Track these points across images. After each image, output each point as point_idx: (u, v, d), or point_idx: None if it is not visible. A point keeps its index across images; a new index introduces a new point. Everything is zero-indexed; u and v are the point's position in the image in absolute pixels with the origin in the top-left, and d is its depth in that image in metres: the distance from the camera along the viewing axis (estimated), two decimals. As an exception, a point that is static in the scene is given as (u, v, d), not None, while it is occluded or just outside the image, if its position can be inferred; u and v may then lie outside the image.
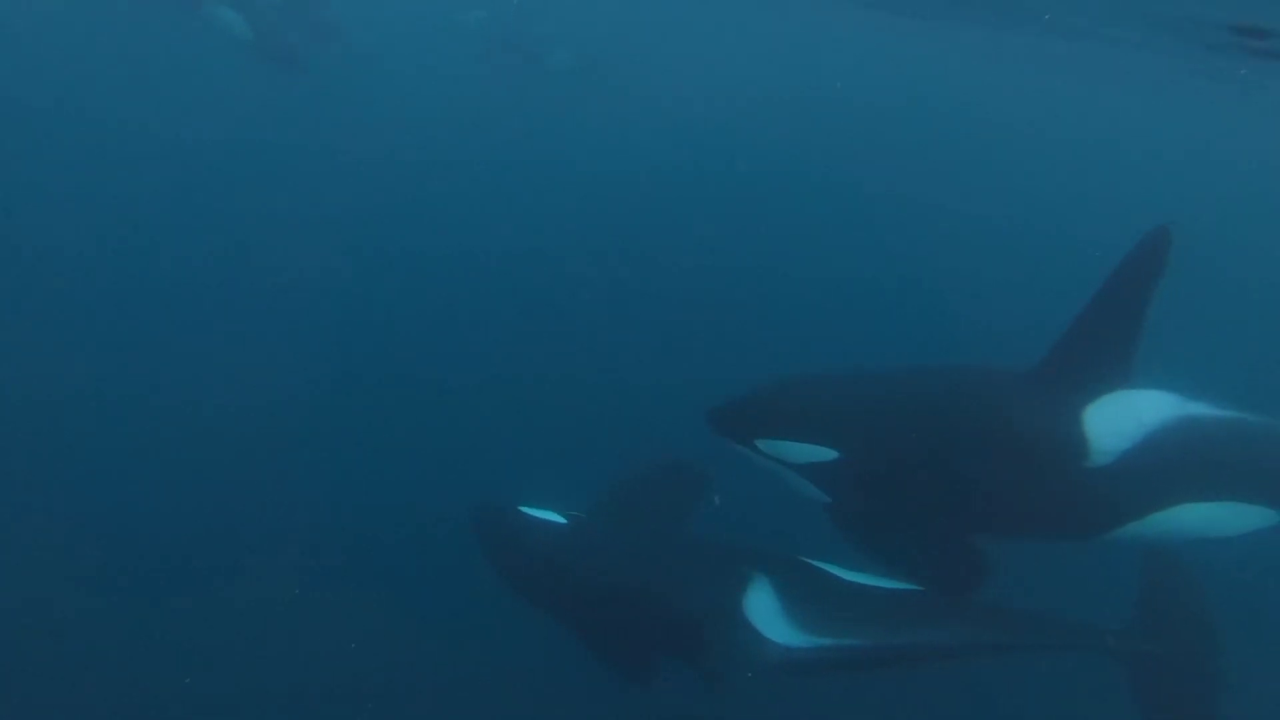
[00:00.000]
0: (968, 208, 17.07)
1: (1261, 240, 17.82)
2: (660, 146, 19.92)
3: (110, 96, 17.23)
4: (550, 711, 6.33)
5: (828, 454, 5.30)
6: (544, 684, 6.31)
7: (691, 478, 6.33)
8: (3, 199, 12.53)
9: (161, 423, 8.71)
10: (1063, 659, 5.55)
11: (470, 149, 18.20)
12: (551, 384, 9.15)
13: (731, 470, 5.82)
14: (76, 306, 10.59)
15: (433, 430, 8.46)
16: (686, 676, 5.30)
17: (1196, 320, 9.48)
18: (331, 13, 22.34)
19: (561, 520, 5.98)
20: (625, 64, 26.73)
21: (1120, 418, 5.07)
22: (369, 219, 13.48)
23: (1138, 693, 5.43)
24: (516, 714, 6.45)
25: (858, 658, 5.25)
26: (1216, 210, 19.16)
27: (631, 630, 5.47)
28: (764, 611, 5.23)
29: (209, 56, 18.83)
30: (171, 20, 19.08)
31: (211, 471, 8.00)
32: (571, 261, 12.56)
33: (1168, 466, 5.10)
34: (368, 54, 22.76)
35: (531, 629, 5.91)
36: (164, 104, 17.00)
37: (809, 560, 5.56)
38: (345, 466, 8.19)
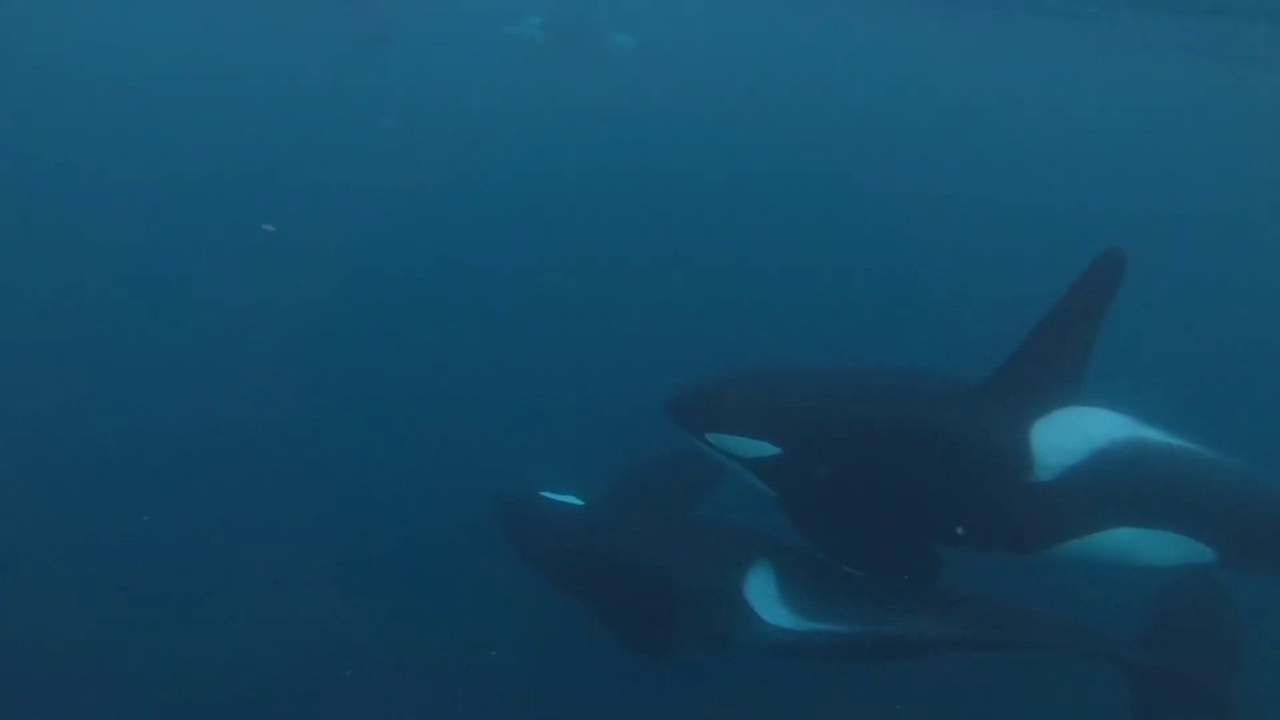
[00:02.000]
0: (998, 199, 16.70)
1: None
2: (710, 132, 19.95)
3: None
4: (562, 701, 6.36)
5: (770, 449, 5.31)
6: (558, 675, 6.33)
7: (703, 464, 6.27)
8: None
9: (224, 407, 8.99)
10: (1065, 664, 5.37)
11: (526, 136, 18.57)
12: (577, 372, 9.22)
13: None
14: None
15: (455, 421, 8.58)
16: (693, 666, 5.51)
17: (1164, 332, 9.80)
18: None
19: (579, 503, 6.32)
20: (683, 47, 26.87)
21: (1066, 434, 5.05)
22: (419, 213, 13.70)
23: (1138, 708, 5.20)
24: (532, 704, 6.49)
25: (851, 644, 5.29)
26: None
27: (640, 605, 5.64)
28: (763, 593, 5.35)
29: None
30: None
31: (224, 468, 8.12)
32: (601, 249, 12.60)
33: (1108, 487, 5.05)
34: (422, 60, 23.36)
35: (547, 619, 6.12)
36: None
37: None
38: (367, 461, 8.28)
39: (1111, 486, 5.04)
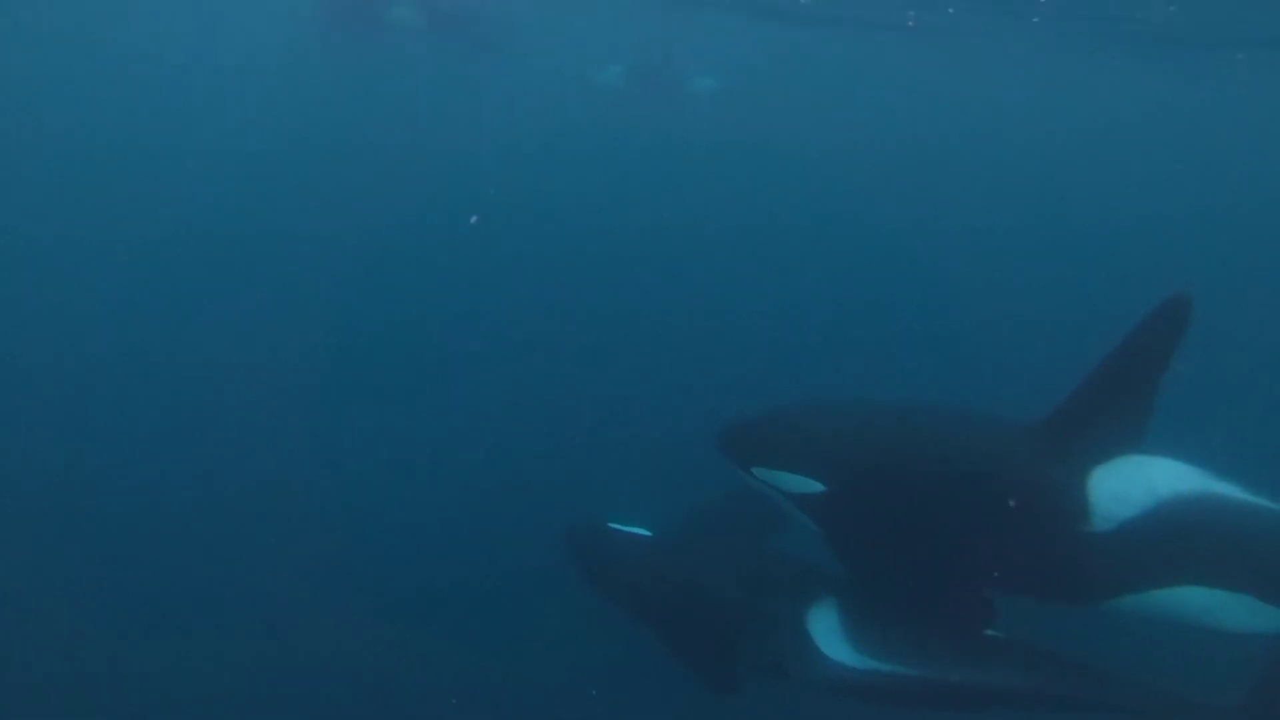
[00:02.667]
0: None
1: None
2: (784, 171, 20.06)
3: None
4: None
5: (816, 486, 5.22)
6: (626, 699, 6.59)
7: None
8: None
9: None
10: None
11: (602, 179, 18.94)
12: (650, 407, 9.41)
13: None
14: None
15: (528, 453, 8.83)
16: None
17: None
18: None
19: (647, 534, 6.40)
20: (763, 91, 27.09)
21: (1129, 484, 4.75)
22: (495, 252, 14.28)
23: None
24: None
25: (911, 688, 5.15)
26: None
27: (704, 632, 5.69)
28: (825, 627, 5.31)
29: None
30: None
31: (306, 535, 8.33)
32: (676, 286, 12.95)
33: (1174, 543, 4.70)
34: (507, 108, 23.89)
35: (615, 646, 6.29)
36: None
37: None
38: (438, 495, 8.60)
39: (1178, 542, 4.72)
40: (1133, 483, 4.76)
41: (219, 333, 11.30)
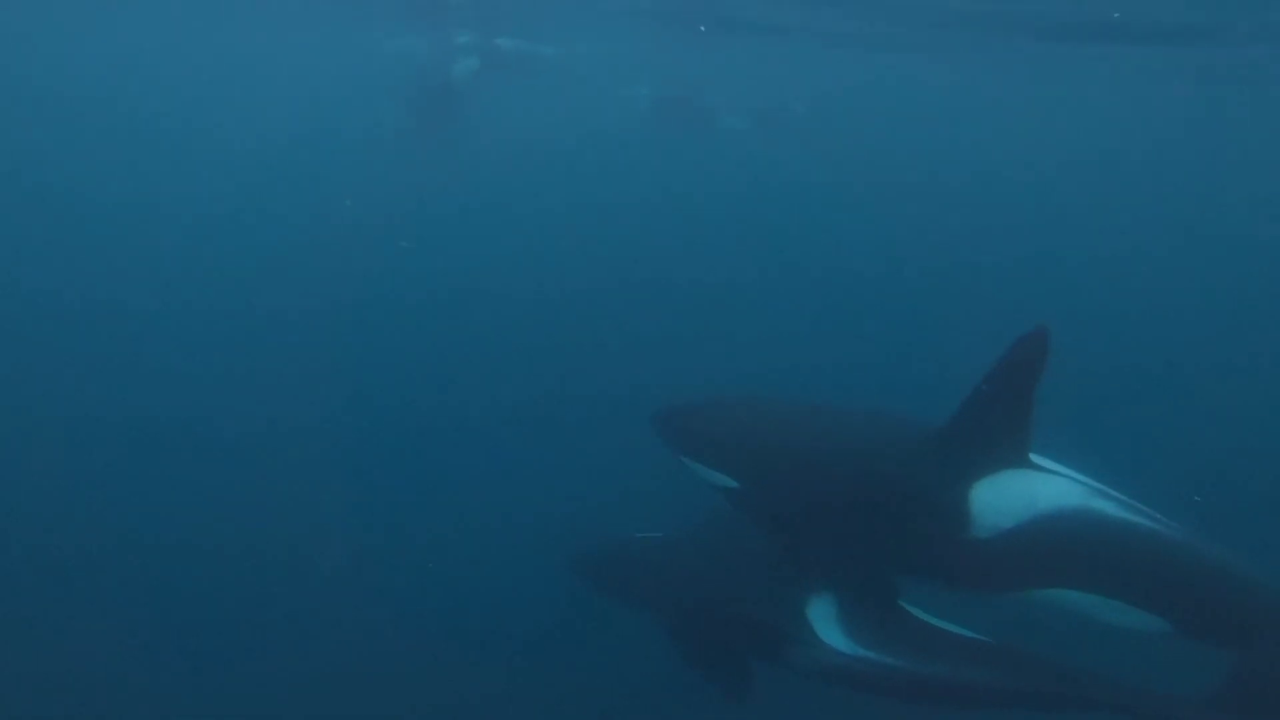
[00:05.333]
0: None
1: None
2: (823, 203, 20.11)
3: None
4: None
5: (731, 481, 5.63)
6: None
7: None
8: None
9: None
10: None
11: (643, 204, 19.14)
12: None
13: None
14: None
15: (538, 458, 9.09)
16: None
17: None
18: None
19: (658, 536, 6.73)
20: (796, 124, 27.28)
21: (1008, 497, 5.09)
22: (533, 270, 14.46)
23: None
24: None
25: (901, 678, 5.40)
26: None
27: (708, 616, 5.95)
28: (824, 616, 5.58)
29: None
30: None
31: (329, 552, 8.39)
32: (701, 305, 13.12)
33: (1050, 552, 5.10)
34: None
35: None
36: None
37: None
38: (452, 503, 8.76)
39: (1053, 552, 5.11)
40: (1013, 496, 5.12)
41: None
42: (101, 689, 6.84)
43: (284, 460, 9.25)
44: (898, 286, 15.00)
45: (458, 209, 17.49)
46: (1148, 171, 28.27)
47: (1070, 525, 5.06)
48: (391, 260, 14.50)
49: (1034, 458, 5.27)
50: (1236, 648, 5.06)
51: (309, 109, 28.03)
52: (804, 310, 13.47)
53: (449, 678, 7.13)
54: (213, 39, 31.18)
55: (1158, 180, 27.12)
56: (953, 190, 22.89)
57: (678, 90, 25.92)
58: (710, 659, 5.94)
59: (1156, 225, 20.79)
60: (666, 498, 6.69)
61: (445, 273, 14.37)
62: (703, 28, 21.18)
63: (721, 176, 23.11)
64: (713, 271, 15.12)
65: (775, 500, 5.66)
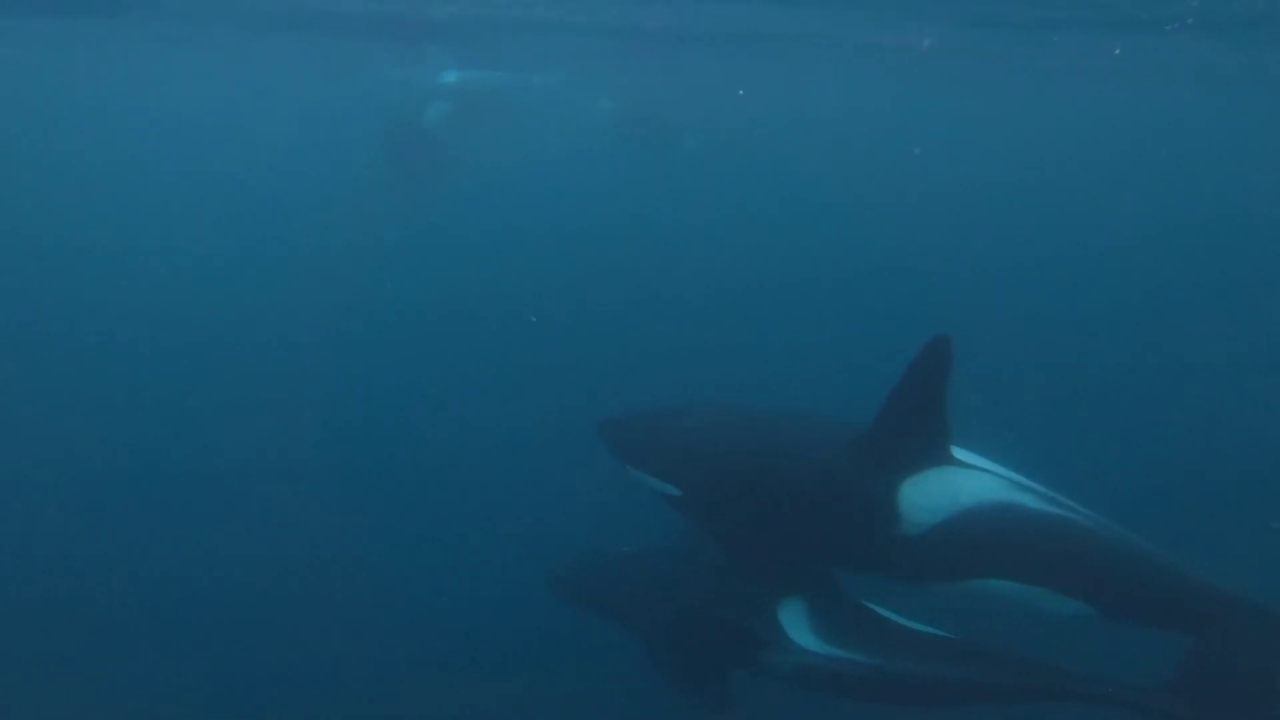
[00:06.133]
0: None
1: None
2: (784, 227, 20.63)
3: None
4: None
5: (674, 490, 5.92)
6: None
7: None
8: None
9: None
10: (1092, 714, 5.45)
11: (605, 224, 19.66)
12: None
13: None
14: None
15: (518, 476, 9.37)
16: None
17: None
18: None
19: (632, 549, 6.92)
20: (759, 147, 27.64)
21: (934, 495, 5.37)
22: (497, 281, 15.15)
23: None
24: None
25: (870, 676, 5.59)
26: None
27: (688, 633, 6.07)
28: (795, 617, 5.80)
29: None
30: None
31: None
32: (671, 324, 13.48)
33: (973, 546, 5.38)
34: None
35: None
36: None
37: (853, 595, 6.05)
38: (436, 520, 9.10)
39: (979, 545, 5.39)
40: (938, 493, 5.41)
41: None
42: (100, 698, 7.06)
43: (256, 484, 9.55)
44: (849, 298, 15.57)
45: (430, 236, 17.82)
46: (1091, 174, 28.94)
47: (992, 518, 5.35)
48: (363, 284, 14.97)
49: (958, 454, 5.53)
50: (1156, 628, 5.41)
51: (286, 146, 28.22)
52: (767, 322, 13.93)
53: (428, 690, 7.37)
54: (181, 73, 31.37)
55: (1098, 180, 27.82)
56: (910, 206, 23.35)
57: (641, 108, 26.06)
58: (688, 670, 6.08)
59: (1087, 227, 21.43)
60: (641, 510, 6.80)
61: (417, 297, 14.76)
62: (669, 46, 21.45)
63: (683, 194, 23.49)
64: (677, 286, 15.56)
65: (716, 505, 5.91)
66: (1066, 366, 12.39)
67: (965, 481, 5.46)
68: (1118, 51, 19.68)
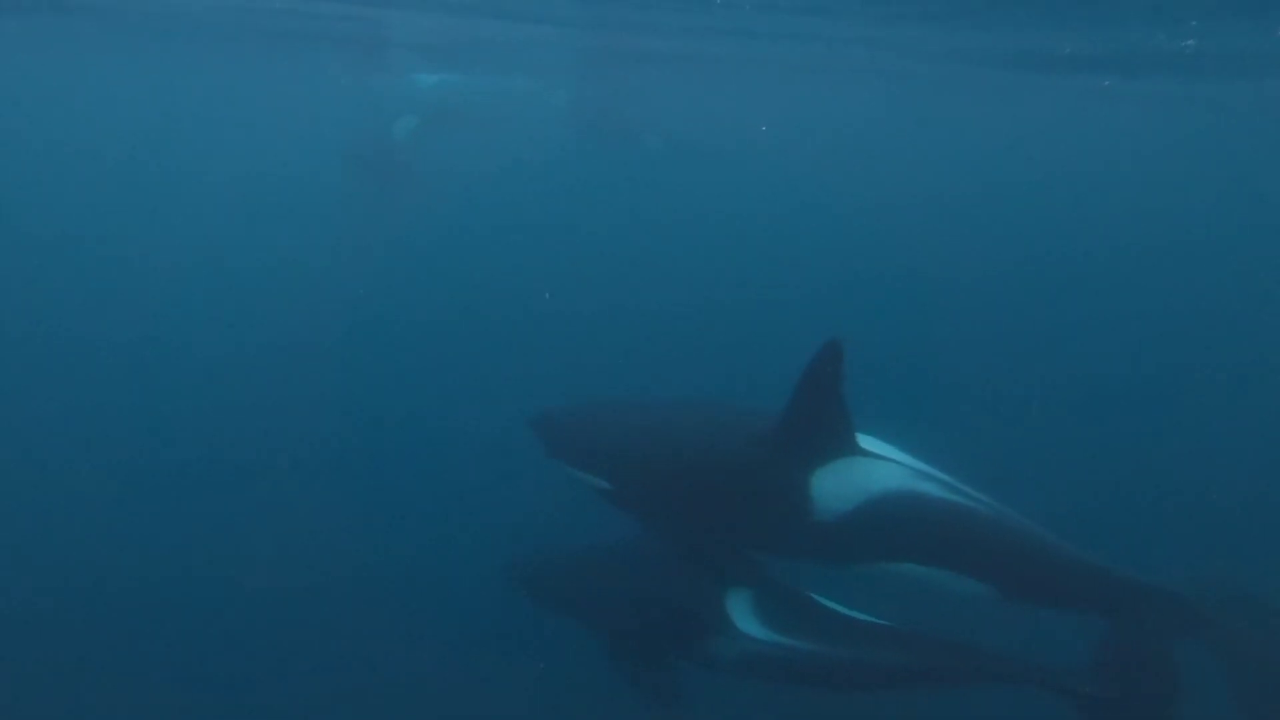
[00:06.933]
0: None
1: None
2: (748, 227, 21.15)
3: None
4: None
5: (603, 483, 6.22)
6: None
7: None
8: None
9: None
10: (1021, 696, 5.82)
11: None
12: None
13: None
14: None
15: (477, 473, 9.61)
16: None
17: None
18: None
19: (586, 545, 7.03)
20: (720, 147, 27.91)
21: (843, 484, 5.70)
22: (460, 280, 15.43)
23: None
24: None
25: (813, 662, 5.92)
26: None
27: (640, 626, 6.36)
28: (741, 607, 6.08)
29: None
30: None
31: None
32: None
33: (882, 532, 5.73)
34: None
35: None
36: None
37: (797, 586, 6.35)
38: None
39: (885, 532, 5.73)
40: (847, 482, 5.71)
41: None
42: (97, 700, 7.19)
43: (224, 488, 9.73)
44: (806, 298, 15.66)
45: (392, 243, 17.75)
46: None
47: (898, 506, 5.67)
48: (325, 288, 15.20)
49: (866, 444, 5.81)
50: (1053, 608, 5.82)
51: (246, 152, 28.16)
52: (724, 321, 14.21)
53: (386, 682, 7.56)
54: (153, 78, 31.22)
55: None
56: (866, 210, 23.66)
57: (602, 107, 25.60)
58: (639, 663, 6.26)
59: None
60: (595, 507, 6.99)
61: (381, 300, 14.83)
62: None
63: (643, 194, 23.82)
64: (637, 285, 15.96)
65: (644, 498, 6.22)
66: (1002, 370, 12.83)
67: (873, 470, 5.76)
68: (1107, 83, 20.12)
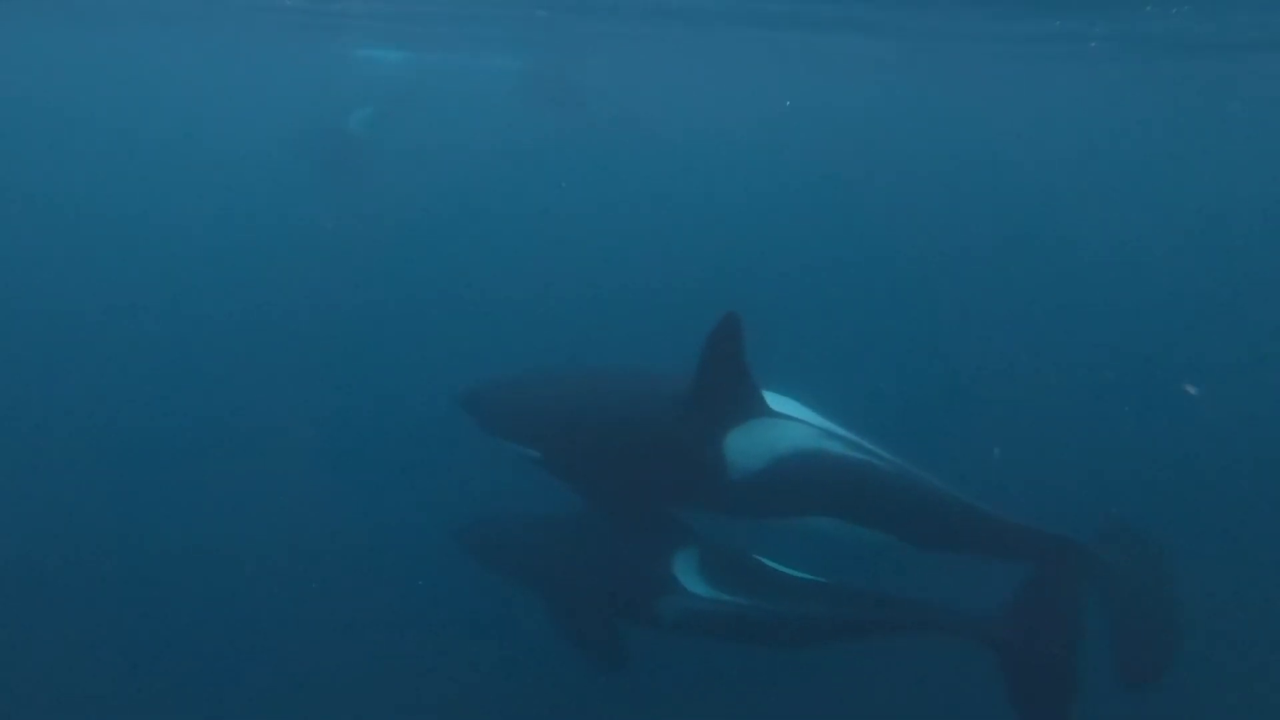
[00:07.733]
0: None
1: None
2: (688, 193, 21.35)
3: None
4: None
5: (533, 452, 6.58)
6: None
7: None
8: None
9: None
10: (945, 643, 6.19)
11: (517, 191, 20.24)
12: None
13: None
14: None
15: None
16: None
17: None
18: None
19: (536, 512, 7.28)
20: (665, 116, 28.04)
21: (754, 444, 6.10)
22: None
23: (1004, 681, 6.01)
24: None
25: (754, 616, 6.25)
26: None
27: (584, 578, 6.70)
28: (687, 569, 6.43)
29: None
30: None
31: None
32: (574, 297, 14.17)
33: (792, 488, 6.13)
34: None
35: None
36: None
37: (741, 548, 6.69)
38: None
39: (794, 487, 6.13)
40: (757, 442, 6.12)
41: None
42: (89, 694, 7.33)
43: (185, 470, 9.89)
44: (750, 270, 15.97)
45: (341, 228, 17.84)
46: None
47: (806, 463, 6.08)
48: (279, 272, 15.28)
49: (776, 405, 6.21)
50: (953, 555, 6.18)
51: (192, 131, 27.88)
52: (667, 293, 14.31)
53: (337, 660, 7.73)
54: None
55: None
56: (814, 184, 23.97)
57: (548, 67, 25.06)
58: (586, 627, 6.57)
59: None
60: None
61: (334, 282, 14.96)
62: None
63: (590, 163, 24.09)
64: (582, 259, 16.19)
65: (571, 463, 6.58)
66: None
67: (783, 430, 6.17)
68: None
